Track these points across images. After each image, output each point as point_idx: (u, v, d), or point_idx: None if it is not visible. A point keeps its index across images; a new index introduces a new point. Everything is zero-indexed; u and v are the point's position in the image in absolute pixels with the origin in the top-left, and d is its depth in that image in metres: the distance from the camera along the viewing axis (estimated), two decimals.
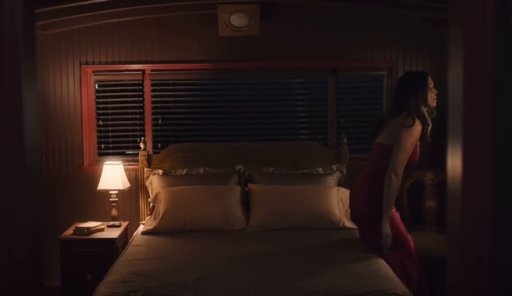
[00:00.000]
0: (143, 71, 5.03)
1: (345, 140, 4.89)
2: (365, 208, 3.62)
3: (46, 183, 4.92)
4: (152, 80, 5.06)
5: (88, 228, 4.51)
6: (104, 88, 5.11)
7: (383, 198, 3.47)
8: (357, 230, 4.07)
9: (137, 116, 5.10)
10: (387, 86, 5.11)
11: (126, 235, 4.75)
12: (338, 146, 5.00)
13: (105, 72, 5.04)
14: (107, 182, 4.69)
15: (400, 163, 3.48)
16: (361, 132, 5.04)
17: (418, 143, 3.58)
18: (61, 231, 4.65)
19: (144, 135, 5.05)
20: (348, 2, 4.74)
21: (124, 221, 4.90)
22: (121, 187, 4.70)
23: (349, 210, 4.42)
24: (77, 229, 4.52)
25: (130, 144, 5.12)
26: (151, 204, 4.71)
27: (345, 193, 4.50)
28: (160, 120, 5.14)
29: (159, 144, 5.13)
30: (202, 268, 3.35)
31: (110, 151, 5.11)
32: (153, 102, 5.09)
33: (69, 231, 4.59)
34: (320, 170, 4.81)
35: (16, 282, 1.20)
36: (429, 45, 5.05)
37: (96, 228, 4.56)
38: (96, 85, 5.08)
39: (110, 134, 5.12)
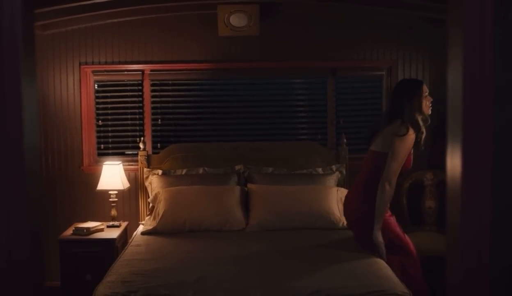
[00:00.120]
0: (142, 71, 5.03)
1: (345, 140, 4.90)
2: (360, 214, 3.62)
3: (45, 183, 4.92)
4: (152, 80, 5.06)
5: (87, 228, 4.51)
6: (103, 89, 5.11)
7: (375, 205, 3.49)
8: None
9: (137, 116, 5.09)
10: (386, 87, 5.11)
11: (125, 235, 4.75)
12: (337, 147, 5.01)
13: (105, 73, 5.04)
14: (106, 182, 4.69)
15: (394, 172, 3.49)
16: (361, 133, 5.04)
17: (411, 151, 3.59)
18: (61, 231, 4.65)
19: (143, 136, 5.05)
20: (347, 2, 4.74)
21: (124, 221, 4.90)
22: (120, 187, 4.70)
23: None
24: (77, 229, 4.52)
25: (130, 145, 5.12)
26: (150, 204, 4.71)
27: (344, 193, 4.49)
28: (159, 120, 5.14)
29: (159, 145, 5.13)
30: (201, 268, 3.35)
31: (110, 151, 5.11)
32: (152, 102, 5.09)
33: (69, 231, 4.59)
34: (320, 170, 4.81)
35: (16, 282, 1.20)
36: (428, 45, 5.05)
37: (96, 228, 4.55)
38: (96, 85, 5.08)
39: (110, 134, 5.12)
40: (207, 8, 4.82)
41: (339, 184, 4.76)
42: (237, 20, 4.73)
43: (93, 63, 4.98)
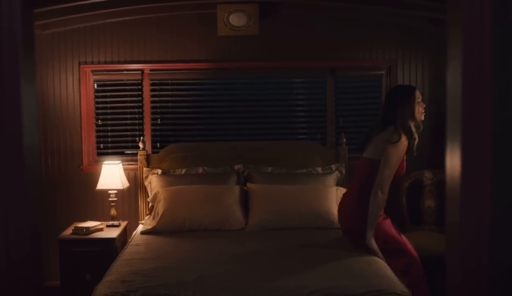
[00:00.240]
0: (142, 71, 5.03)
1: (344, 140, 4.90)
2: (353, 221, 3.62)
3: (45, 183, 4.92)
4: (151, 80, 5.06)
5: (87, 228, 4.50)
6: (103, 88, 5.11)
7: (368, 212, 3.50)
8: None
9: (136, 116, 5.09)
10: (386, 86, 5.11)
11: (125, 234, 4.75)
12: (337, 146, 5.01)
13: (104, 72, 5.04)
14: (106, 181, 4.69)
15: (386, 179, 3.50)
16: (360, 132, 5.04)
17: (404, 158, 3.59)
18: (60, 231, 4.65)
19: (143, 135, 5.05)
20: (347, 2, 4.74)
21: (123, 220, 4.90)
22: (120, 187, 4.70)
23: None
24: (76, 228, 4.52)
25: (129, 144, 5.12)
26: (150, 204, 4.71)
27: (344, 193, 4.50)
28: (159, 120, 5.14)
29: (158, 144, 5.13)
30: (201, 267, 3.35)
31: (109, 151, 5.11)
32: (152, 102, 5.09)
33: (68, 231, 4.59)
34: (319, 169, 4.81)
35: (16, 282, 1.20)
36: (428, 44, 5.06)
37: (95, 227, 4.55)
38: (95, 85, 5.08)
39: (109, 134, 5.12)
40: (207, 7, 4.82)
41: (339, 183, 4.76)
42: (236, 19, 4.73)
43: (92, 62, 4.98)
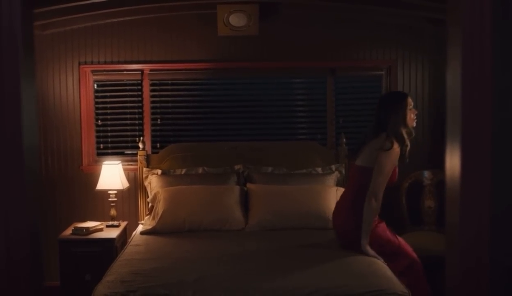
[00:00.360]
0: (142, 71, 5.03)
1: (344, 140, 4.90)
2: (348, 227, 3.61)
3: (45, 183, 4.91)
4: (151, 80, 5.06)
5: (87, 228, 4.50)
6: (103, 88, 5.11)
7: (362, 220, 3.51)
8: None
9: (136, 116, 5.09)
10: (386, 86, 5.11)
11: (125, 235, 4.75)
12: (337, 146, 5.00)
13: (104, 72, 5.03)
14: (106, 181, 4.69)
15: (380, 186, 3.51)
16: (360, 132, 5.04)
17: (397, 164, 3.60)
18: (60, 231, 4.65)
19: (143, 135, 5.05)
20: (347, 2, 4.74)
21: (123, 221, 4.90)
22: (120, 187, 4.70)
23: None
24: (76, 229, 4.52)
25: (129, 144, 5.12)
26: (150, 204, 4.71)
27: None
28: (159, 120, 5.14)
29: (158, 144, 5.13)
30: (201, 267, 3.35)
31: (109, 151, 5.11)
32: (152, 102, 5.09)
33: (68, 231, 4.59)
34: (319, 169, 4.81)
35: (16, 282, 1.20)
36: (428, 45, 5.05)
37: (95, 228, 4.55)
38: (95, 85, 5.08)
39: (109, 134, 5.12)
40: (207, 7, 4.82)
41: (339, 184, 4.76)
42: (236, 19, 4.73)
43: (92, 63, 4.98)
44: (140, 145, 4.89)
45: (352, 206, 3.60)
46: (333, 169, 4.81)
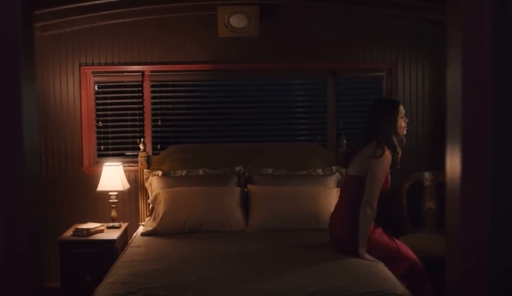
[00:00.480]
0: (142, 72, 5.03)
1: (345, 141, 4.90)
2: (345, 237, 3.60)
3: (45, 184, 4.92)
4: (152, 81, 5.06)
5: (87, 229, 4.50)
6: (103, 90, 5.11)
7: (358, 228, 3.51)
8: None
9: (137, 117, 5.09)
10: (386, 88, 5.11)
11: (125, 236, 4.75)
12: (337, 148, 5.00)
13: (105, 74, 5.04)
14: (106, 183, 4.69)
15: (374, 194, 3.52)
16: (361, 133, 5.03)
17: (389, 171, 3.60)
18: (61, 232, 4.65)
19: (143, 137, 5.05)
20: (347, 4, 4.74)
21: (124, 222, 4.90)
22: (120, 188, 4.70)
23: None
24: (77, 230, 4.52)
25: (130, 146, 5.12)
26: (150, 205, 4.71)
27: None
28: (159, 121, 5.14)
29: (159, 146, 5.13)
30: (201, 269, 3.35)
31: (110, 152, 5.11)
32: (152, 103, 5.09)
33: (69, 232, 4.59)
34: (320, 171, 4.81)
35: (16, 283, 1.20)
36: (428, 46, 5.06)
37: (96, 229, 4.55)
38: (96, 86, 5.08)
39: (110, 135, 5.12)
40: (207, 9, 4.83)
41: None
42: (237, 21, 4.73)
43: (93, 64, 4.98)
44: (141, 146, 4.89)
45: (348, 216, 3.60)
46: (334, 170, 4.81)
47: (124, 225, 4.80)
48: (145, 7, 4.75)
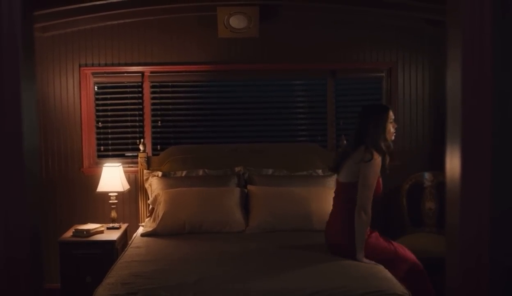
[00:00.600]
0: (142, 73, 5.03)
1: (345, 142, 4.89)
2: (343, 244, 3.59)
3: (45, 185, 4.91)
4: (152, 82, 5.06)
5: (87, 230, 4.50)
6: (103, 90, 5.11)
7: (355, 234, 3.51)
8: None
9: (137, 118, 5.09)
10: (386, 88, 5.12)
11: (125, 237, 4.75)
12: (337, 148, 5.00)
13: (105, 74, 5.04)
14: (106, 184, 4.69)
15: (367, 199, 3.52)
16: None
17: (380, 175, 3.60)
18: (61, 233, 4.65)
19: (143, 137, 5.05)
20: (347, 4, 4.74)
21: (124, 223, 4.89)
22: (120, 189, 4.70)
23: None
24: (77, 231, 4.52)
25: (130, 146, 5.12)
26: (150, 206, 4.71)
27: None
28: (159, 122, 5.14)
29: (159, 146, 5.13)
30: (201, 269, 3.35)
31: (110, 153, 5.11)
32: (152, 104, 5.09)
33: (69, 233, 4.59)
34: (320, 171, 4.81)
35: (16, 284, 1.20)
36: (428, 46, 5.06)
37: (96, 230, 4.55)
38: (96, 87, 5.09)
39: (110, 136, 5.12)
40: (207, 10, 4.83)
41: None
42: (236, 21, 4.73)
43: (93, 65, 4.98)
44: (141, 147, 4.89)
45: (343, 223, 3.59)
46: None
47: (124, 226, 4.80)
48: (145, 8, 4.75)
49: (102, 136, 5.11)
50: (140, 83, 5.06)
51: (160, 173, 4.79)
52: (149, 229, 4.36)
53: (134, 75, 5.04)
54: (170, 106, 5.13)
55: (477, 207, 1.15)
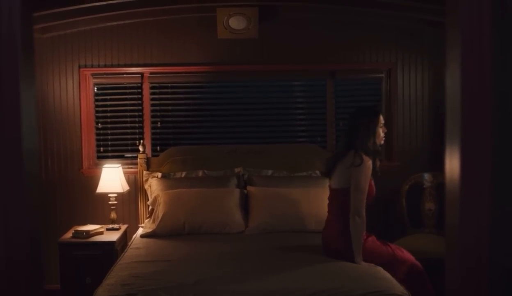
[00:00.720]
0: (142, 74, 5.03)
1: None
2: (340, 247, 3.59)
3: (45, 186, 4.92)
4: (151, 83, 5.06)
5: (87, 231, 4.50)
6: (103, 92, 5.11)
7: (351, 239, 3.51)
8: None
9: (136, 119, 5.09)
10: (386, 89, 5.12)
11: (125, 238, 4.74)
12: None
13: (104, 75, 5.04)
14: (106, 185, 4.69)
15: (360, 203, 3.52)
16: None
17: (372, 178, 3.60)
18: (60, 234, 4.65)
19: (143, 138, 5.05)
20: (346, 5, 4.74)
21: (123, 224, 4.89)
22: (120, 190, 4.70)
23: None
24: (76, 232, 4.52)
25: (129, 148, 5.12)
26: (150, 207, 4.71)
27: None
28: (159, 123, 5.14)
29: (158, 147, 5.13)
30: (200, 270, 3.34)
31: (109, 154, 5.11)
32: (152, 105, 5.09)
33: (68, 234, 4.59)
34: (319, 172, 4.81)
35: (15, 286, 1.20)
36: (428, 47, 5.06)
37: (95, 231, 4.55)
38: (95, 88, 5.09)
39: (109, 137, 5.12)
40: (206, 11, 4.83)
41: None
42: (236, 22, 4.73)
43: (92, 66, 4.98)
44: (140, 148, 4.89)
45: (340, 229, 3.58)
46: None
47: (123, 227, 4.79)
48: (144, 9, 4.75)
49: (101, 137, 5.11)
50: (139, 84, 5.06)
51: (159, 174, 4.79)
52: (149, 230, 4.35)
53: (133, 76, 5.04)
54: (170, 107, 5.13)
55: (476, 207, 1.15)
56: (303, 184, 4.67)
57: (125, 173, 4.90)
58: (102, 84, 5.09)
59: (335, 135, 5.12)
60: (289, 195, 4.50)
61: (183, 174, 4.79)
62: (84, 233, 4.48)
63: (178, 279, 3.17)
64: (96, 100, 5.08)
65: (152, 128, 5.11)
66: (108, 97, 5.10)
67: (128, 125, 5.11)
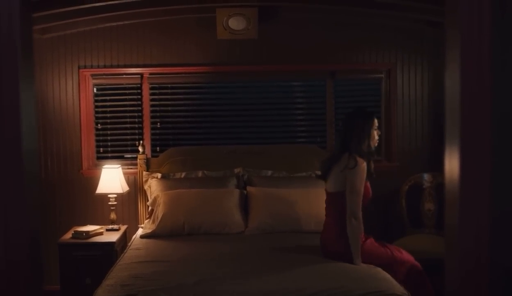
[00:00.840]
0: (141, 74, 5.03)
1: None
2: (340, 250, 3.58)
3: (44, 187, 4.91)
4: (151, 83, 5.06)
5: (87, 232, 4.50)
6: (102, 92, 5.11)
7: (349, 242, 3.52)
8: None
9: (136, 119, 5.09)
10: (385, 89, 5.12)
11: (125, 238, 4.74)
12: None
13: (104, 76, 5.04)
14: (105, 185, 4.69)
15: (356, 205, 3.52)
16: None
17: (367, 181, 3.60)
18: (60, 235, 4.65)
19: (142, 139, 5.05)
20: (346, 5, 4.74)
21: (123, 224, 4.89)
22: (120, 191, 4.70)
23: None
24: (76, 232, 4.52)
25: (129, 148, 5.12)
26: (149, 208, 4.71)
27: None
28: (158, 123, 5.14)
29: (158, 148, 5.13)
30: (200, 270, 3.34)
31: (109, 155, 5.11)
32: (151, 105, 5.09)
33: (68, 235, 4.58)
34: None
35: (15, 286, 1.20)
36: (427, 47, 5.06)
37: (95, 231, 4.55)
38: (95, 89, 5.09)
39: (109, 138, 5.12)
40: (206, 11, 4.83)
41: None
42: (235, 23, 4.73)
43: (92, 66, 4.98)
44: (140, 149, 4.89)
45: (337, 232, 3.58)
46: None
47: (123, 227, 4.79)
48: (144, 10, 4.75)
49: (101, 138, 5.11)
50: (139, 85, 5.06)
51: (159, 175, 4.79)
52: (149, 231, 4.35)
53: (133, 77, 5.04)
54: (169, 108, 5.13)
55: (476, 207, 1.15)
56: (302, 184, 4.67)
57: (124, 174, 4.90)
58: (101, 84, 5.09)
59: (335, 136, 5.11)
60: (289, 196, 4.50)
61: (183, 175, 4.79)
62: (84, 234, 4.48)
63: (178, 280, 3.17)
64: (96, 101, 5.08)
65: (152, 129, 5.11)
66: (108, 98, 5.10)
67: (128, 126, 5.11)
